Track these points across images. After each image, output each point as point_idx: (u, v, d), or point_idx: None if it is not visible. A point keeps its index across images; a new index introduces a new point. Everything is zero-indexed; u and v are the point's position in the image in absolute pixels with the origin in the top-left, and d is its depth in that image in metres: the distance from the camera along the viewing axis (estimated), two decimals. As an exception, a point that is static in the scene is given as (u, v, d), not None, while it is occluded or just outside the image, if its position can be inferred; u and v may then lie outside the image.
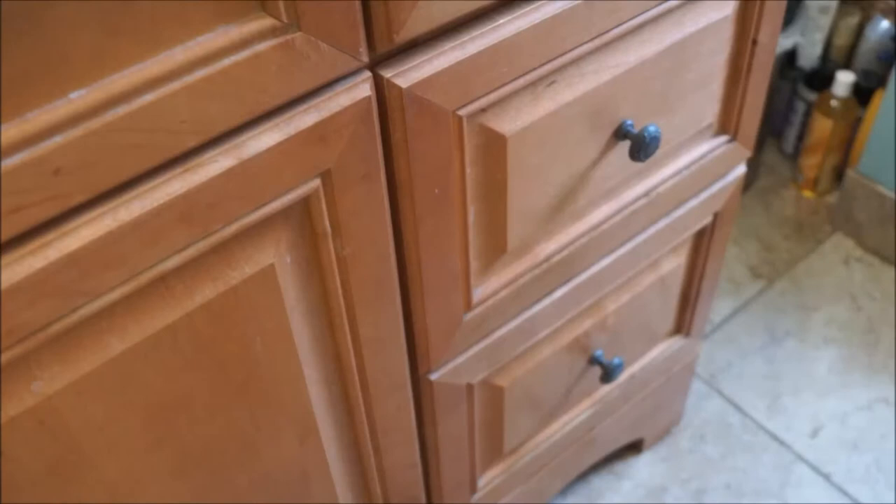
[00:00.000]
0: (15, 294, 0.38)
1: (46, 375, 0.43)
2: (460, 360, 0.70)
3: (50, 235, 0.39)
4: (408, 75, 0.48)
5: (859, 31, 1.39)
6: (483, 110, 0.54)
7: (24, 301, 0.39)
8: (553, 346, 0.80)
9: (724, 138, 0.77)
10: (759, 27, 0.68)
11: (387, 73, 0.48)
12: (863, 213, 1.37)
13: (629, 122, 0.64)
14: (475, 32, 0.50)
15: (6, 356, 0.40)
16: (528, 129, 0.57)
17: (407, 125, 0.50)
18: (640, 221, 0.75)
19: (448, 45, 0.49)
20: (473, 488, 0.87)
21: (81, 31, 0.35)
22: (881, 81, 1.36)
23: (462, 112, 0.52)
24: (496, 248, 0.64)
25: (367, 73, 0.47)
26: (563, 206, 0.66)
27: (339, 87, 0.46)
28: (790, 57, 1.44)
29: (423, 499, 0.80)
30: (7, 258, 0.38)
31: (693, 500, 1.11)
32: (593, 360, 0.87)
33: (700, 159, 0.76)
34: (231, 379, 0.52)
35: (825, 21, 1.38)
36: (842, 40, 1.41)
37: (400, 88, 0.48)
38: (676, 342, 1.00)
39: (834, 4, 1.36)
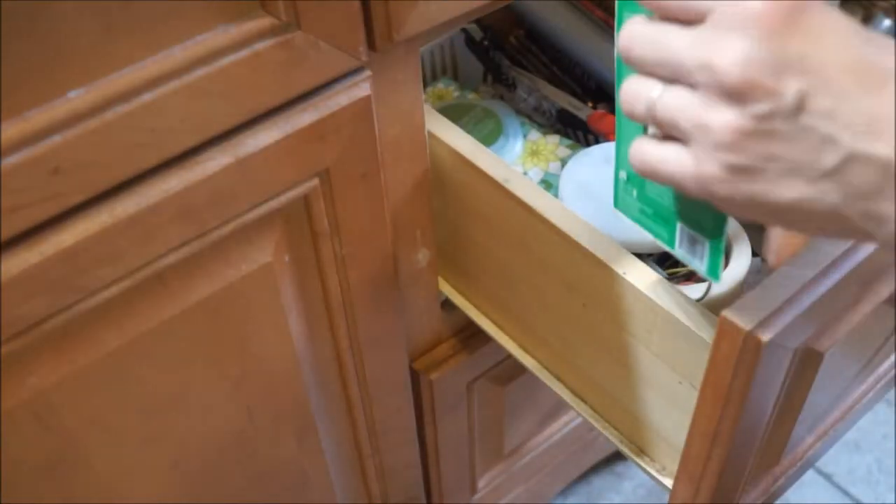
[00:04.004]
0: (10, 289, 0.38)
1: (42, 370, 0.43)
2: (461, 360, 0.69)
3: (45, 231, 0.39)
4: (768, 325, 0.41)
5: (861, 31, 1.39)
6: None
7: (19, 296, 0.39)
8: (553, 345, 0.80)
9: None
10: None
11: (753, 330, 0.41)
12: (864, 212, 1.36)
13: None
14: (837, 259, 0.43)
15: (2, 350, 0.40)
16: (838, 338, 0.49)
17: (755, 373, 0.42)
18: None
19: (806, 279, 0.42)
20: (473, 488, 0.87)
21: (80, 30, 0.35)
22: (883, 81, 1.36)
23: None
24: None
25: (367, 72, 0.47)
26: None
27: (338, 87, 0.46)
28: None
29: (423, 499, 0.80)
30: (3, 251, 0.38)
31: (694, 501, 1.11)
32: (594, 360, 0.87)
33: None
34: (227, 377, 0.52)
35: (827, 20, 1.37)
36: (843, 40, 1.40)
37: (760, 341, 0.40)
38: (677, 342, 0.99)
39: (835, 3, 1.36)
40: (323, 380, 0.60)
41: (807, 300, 0.42)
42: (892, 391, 1.20)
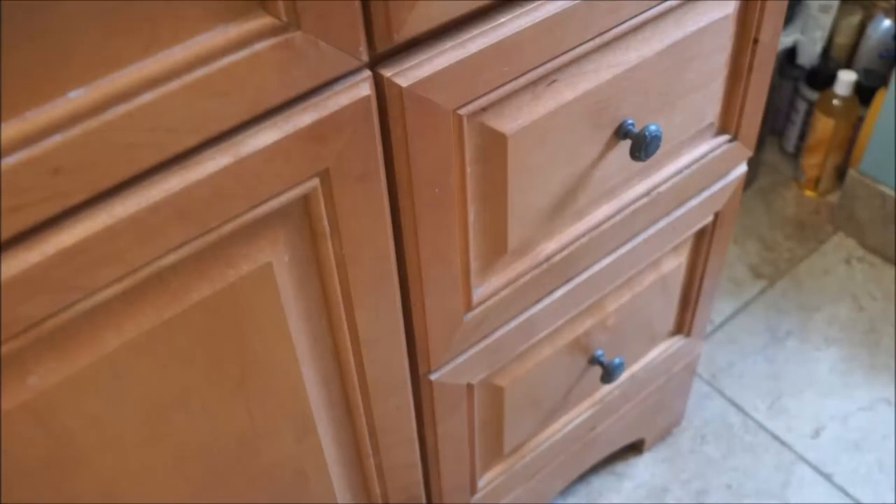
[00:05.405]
0: (10, 288, 0.38)
1: (42, 370, 0.43)
2: (460, 359, 0.70)
3: (45, 231, 0.39)
4: (408, 74, 0.48)
5: (861, 30, 1.39)
6: (483, 109, 0.54)
7: (19, 296, 0.39)
8: (553, 345, 0.80)
9: (724, 137, 0.77)
10: (760, 26, 0.68)
11: (387, 73, 0.48)
12: (864, 212, 1.37)
13: (630, 121, 0.64)
14: (475, 31, 0.50)
15: (2, 350, 0.40)
16: (528, 128, 0.57)
17: (407, 124, 0.50)
18: (641, 221, 0.75)
19: (448, 44, 0.49)
20: (473, 489, 0.87)
21: (80, 31, 0.35)
22: (883, 80, 1.36)
23: (462, 111, 0.52)
24: (497, 248, 0.64)
25: (367, 73, 0.47)
26: (563, 205, 0.66)
27: (338, 87, 0.46)
28: (791, 55, 1.44)
29: (423, 499, 0.80)
30: (3, 251, 0.38)
31: (694, 501, 1.11)
32: (594, 360, 0.87)
33: (701, 159, 0.76)
34: (227, 377, 0.52)
35: (826, 19, 1.37)
36: (843, 39, 1.41)
37: (400, 87, 0.48)
38: (677, 342, 0.99)
39: (835, 3, 1.36)
40: (323, 379, 0.60)
41: (443, 61, 0.49)
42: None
